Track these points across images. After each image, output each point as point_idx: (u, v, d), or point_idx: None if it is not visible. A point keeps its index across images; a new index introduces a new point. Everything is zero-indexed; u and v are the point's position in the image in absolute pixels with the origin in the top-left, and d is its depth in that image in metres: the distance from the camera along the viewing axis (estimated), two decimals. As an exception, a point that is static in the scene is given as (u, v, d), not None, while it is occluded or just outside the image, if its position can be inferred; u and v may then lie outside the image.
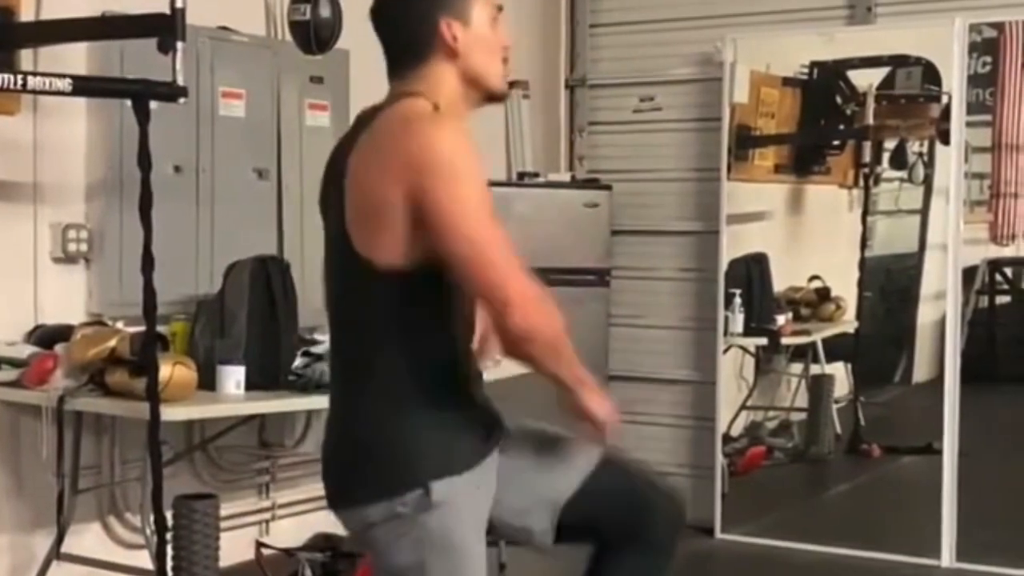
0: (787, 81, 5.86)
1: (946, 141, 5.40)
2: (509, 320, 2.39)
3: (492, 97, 2.65)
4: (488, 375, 4.65)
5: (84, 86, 3.98)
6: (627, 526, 2.68)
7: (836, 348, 5.91)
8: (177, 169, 4.68)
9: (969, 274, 5.54)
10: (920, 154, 5.69)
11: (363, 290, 2.50)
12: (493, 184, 5.63)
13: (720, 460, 5.80)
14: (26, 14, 4.25)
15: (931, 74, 5.52)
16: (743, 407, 5.96)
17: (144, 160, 3.80)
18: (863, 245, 5.80)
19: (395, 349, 2.49)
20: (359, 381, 2.54)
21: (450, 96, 2.56)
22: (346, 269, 2.52)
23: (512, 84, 6.24)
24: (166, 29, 3.77)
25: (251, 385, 4.23)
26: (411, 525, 2.46)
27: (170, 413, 3.93)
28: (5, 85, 3.64)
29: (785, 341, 5.93)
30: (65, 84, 3.74)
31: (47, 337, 4.28)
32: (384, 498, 2.47)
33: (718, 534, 5.77)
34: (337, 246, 2.52)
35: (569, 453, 2.72)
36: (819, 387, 5.94)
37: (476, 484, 2.53)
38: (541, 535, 2.65)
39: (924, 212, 5.74)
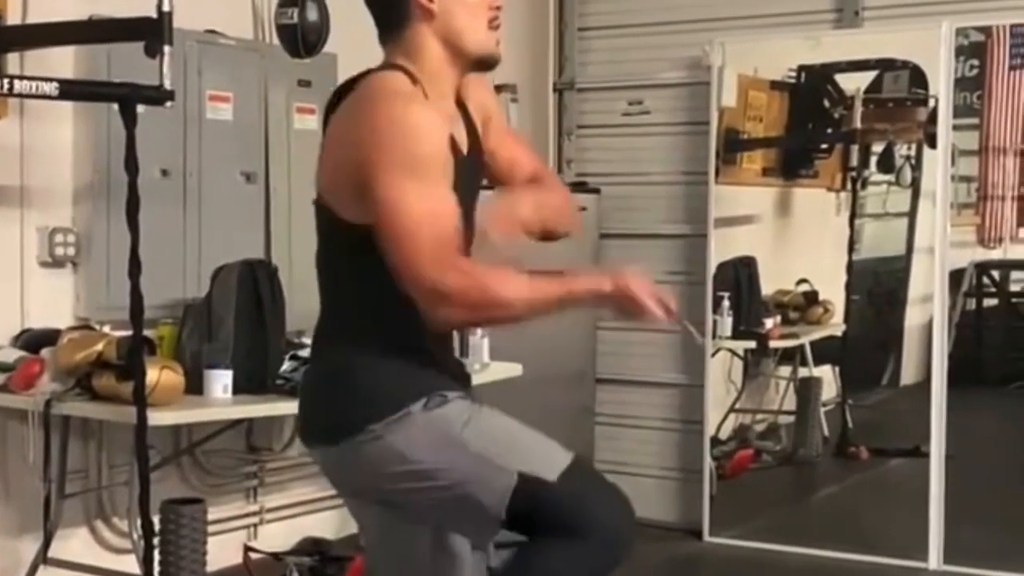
0: (775, 85, 5.87)
1: (933, 144, 5.41)
2: (428, 313, 2.41)
3: (480, 62, 2.61)
4: (476, 379, 4.65)
5: (71, 90, 3.97)
6: (574, 530, 2.57)
7: (824, 351, 5.92)
8: (164, 173, 4.68)
9: (956, 277, 5.55)
10: (907, 157, 5.70)
11: (334, 245, 2.57)
12: (482, 187, 5.67)
13: (708, 463, 5.80)
14: (12, 17, 4.25)
15: (918, 77, 5.53)
16: (731, 410, 5.97)
17: (131, 164, 3.80)
18: (851, 248, 5.81)
19: (372, 296, 2.52)
20: (340, 324, 2.59)
21: (433, 63, 2.55)
22: (321, 226, 2.58)
23: (500, 87, 6.27)
24: (153, 33, 3.77)
25: (238, 389, 4.23)
26: (422, 417, 2.49)
27: (157, 417, 3.93)
28: (-8, 89, 3.64)
29: (773, 344, 5.94)
30: (52, 88, 3.74)
31: (34, 341, 4.27)
32: (391, 412, 2.49)
33: (706, 537, 5.77)
34: (317, 206, 2.58)
35: (545, 445, 2.66)
36: (807, 390, 5.95)
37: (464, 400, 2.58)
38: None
39: (911, 215, 5.75)
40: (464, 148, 2.59)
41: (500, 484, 2.50)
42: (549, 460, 2.56)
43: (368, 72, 2.57)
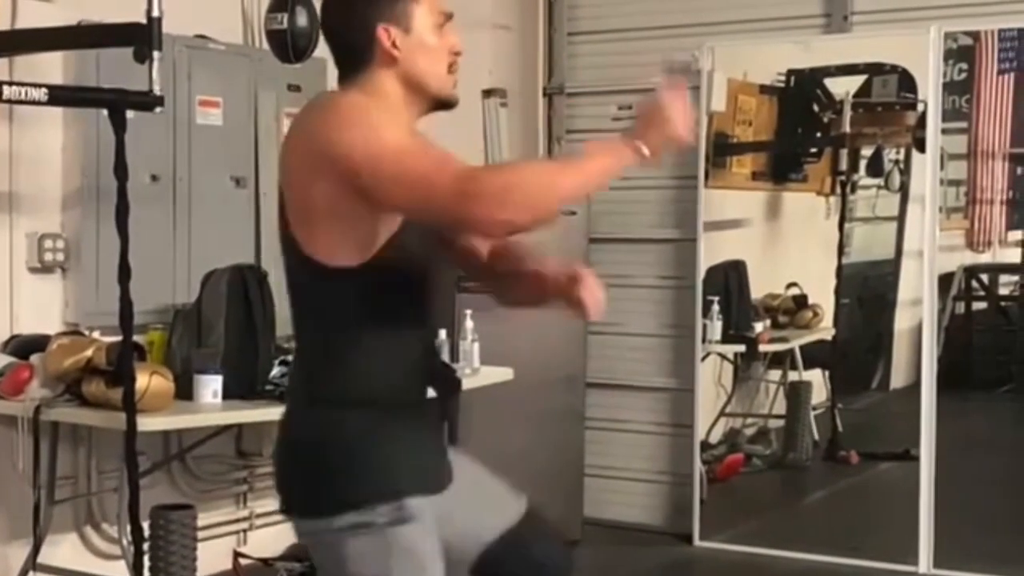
0: (764, 89, 5.88)
1: (922, 148, 5.43)
2: (482, 226, 2.36)
3: (439, 103, 2.60)
4: (467, 383, 4.66)
5: (60, 95, 3.97)
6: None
7: (814, 355, 5.93)
8: (154, 178, 4.67)
9: (946, 281, 5.56)
10: (896, 161, 5.71)
11: (319, 293, 2.49)
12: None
13: (698, 467, 5.80)
14: (1, 23, 4.24)
15: (907, 82, 5.55)
16: (721, 414, 5.97)
17: (120, 169, 3.80)
18: (840, 252, 5.82)
19: (358, 351, 2.47)
20: (327, 386, 2.50)
21: (391, 101, 2.53)
22: (300, 274, 2.50)
23: (489, 92, 6.28)
24: (142, 38, 3.77)
25: (228, 394, 4.22)
26: (380, 536, 2.44)
27: (147, 423, 3.93)
28: (-20, 94, 3.64)
29: (763, 348, 5.95)
30: (41, 94, 3.74)
31: (23, 347, 4.26)
32: (357, 508, 2.44)
33: (696, 541, 5.77)
34: (285, 250, 2.51)
35: (500, 494, 2.74)
36: (797, 394, 5.96)
37: (440, 506, 2.52)
38: (460, 568, 2.64)
39: (900, 219, 5.76)
40: None
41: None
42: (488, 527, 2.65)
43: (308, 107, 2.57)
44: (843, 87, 5.69)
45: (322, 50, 4.71)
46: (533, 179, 2.33)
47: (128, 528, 3.99)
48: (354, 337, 2.47)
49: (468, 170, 2.30)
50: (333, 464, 2.47)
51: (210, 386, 4.17)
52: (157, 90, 3.83)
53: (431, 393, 2.61)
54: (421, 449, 2.54)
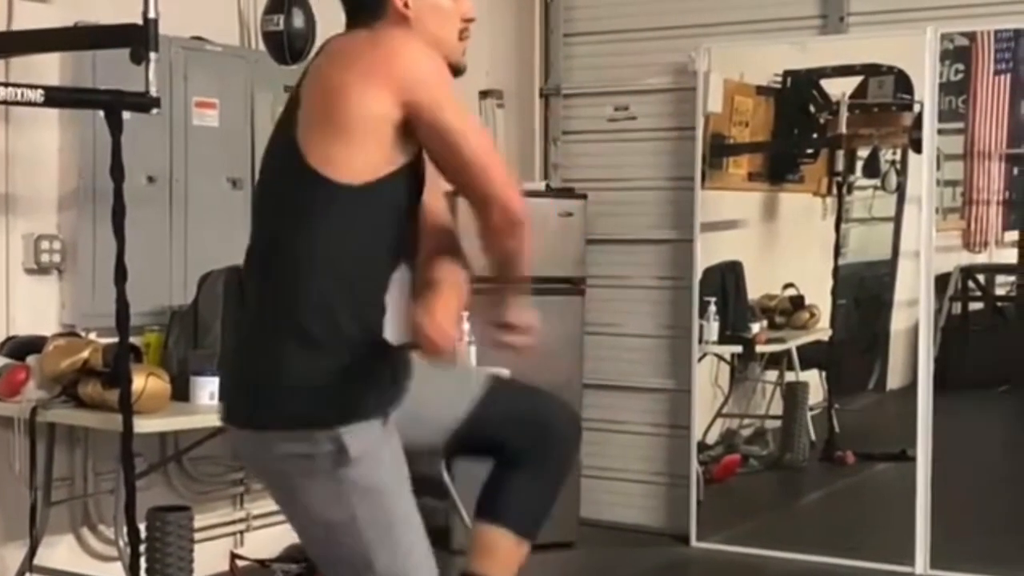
0: (761, 90, 5.88)
1: (918, 149, 5.43)
2: (508, 213, 2.50)
3: (450, 69, 2.61)
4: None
5: (56, 96, 3.97)
6: (526, 443, 2.74)
7: (810, 355, 5.93)
8: (150, 179, 4.67)
9: (942, 281, 5.56)
10: (893, 162, 5.71)
11: (307, 206, 2.47)
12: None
13: (695, 468, 5.80)
14: (-2, 24, 4.24)
15: (903, 82, 5.55)
16: (718, 415, 5.97)
17: (117, 170, 3.80)
18: (837, 253, 5.82)
19: (331, 273, 2.48)
20: (284, 296, 2.49)
21: None
22: (290, 183, 2.49)
23: (486, 93, 6.28)
24: (139, 39, 3.77)
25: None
26: (331, 478, 2.46)
27: (143, 425, 3.92)
28: (-24, 96, 3.64)
29: (760, 349, 5.95)
30: (37, 95, 3.74)
31: (19, 348, 4.26)
32: (294, 430, 2.46)
33: (693, 542, 5.78)
34: (282, 163, 2.51)
35: (460, 379, 2.78)
36: (794, 395, 5.95)
37: (389, 430, 2.54)
38: (430, 456, 2.79)
39: (897, 220, 5.76)
40: None
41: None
42: (463, 397, 2.73)
43: (335, 38, 2.60)
44: (839, 88, 5.69)
45: (318, 51, 4.76)
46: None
47: (124, 530, 3.99)
48: (329, 257, 2.47)
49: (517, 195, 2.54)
50: (282, 382, 2.48)
51: (207, 387, 4.16)
52: (153, 91, 3.84)
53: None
54: (371, 376, 2.52)
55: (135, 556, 3.98)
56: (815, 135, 5.94)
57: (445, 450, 2.79)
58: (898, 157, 5.69)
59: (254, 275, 2.59)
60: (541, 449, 2.76)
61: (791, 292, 5.89)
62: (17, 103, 3.76)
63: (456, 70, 2.63)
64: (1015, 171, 5.65)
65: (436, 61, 2.48)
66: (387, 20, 2.55)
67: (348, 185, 2.43)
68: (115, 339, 3.90)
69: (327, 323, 2.46)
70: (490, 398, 2.76)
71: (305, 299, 2.47)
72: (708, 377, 5.94)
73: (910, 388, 5.43)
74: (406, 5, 2.55)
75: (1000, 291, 5.98)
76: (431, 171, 2.61)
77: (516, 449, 2.73)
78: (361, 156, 2.43)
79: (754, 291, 5.92)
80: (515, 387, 2.90)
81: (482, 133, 2.57)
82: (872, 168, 5.76)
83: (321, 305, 2.47)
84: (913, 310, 5.45)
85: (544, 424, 2.79)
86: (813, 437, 5.91)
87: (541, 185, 6.13)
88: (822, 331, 5.88)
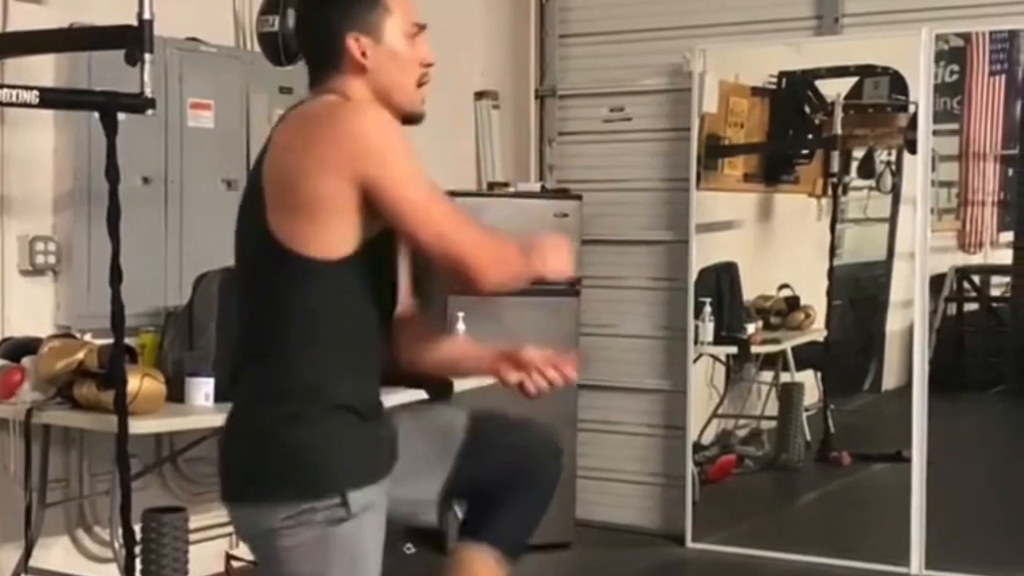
0: (756, 91, 5.88)
1: (913, 150, 5.43)
2: (481, 287, 2.46)
3: (406, 117, 2.61)
4: (459, 385, 4.67)
5: (51, 98, 3.97)
6: (509, 473, 2.77)
7: (806, 356, 5.93)
8: (146, 180, 4.67)
9: (937, 282, 5.57)
10: (888, 163, 5.72)
11: (288, 284, 2.47)
12: (464, 195, 5.67)
13: (691, 469, 5.81)
14: (-8, 26, 4.24)
15: (898, 83, 5.55)
16: (714, 416, 5.97)
17: (112, 172, 3.79)
18: (832, 254, 5.82)
19: (317, 342, 2.48)
20: (276, 375, 2.49)
21: None
22: (267, 265, 2.49)
23: (481, 94, 6.29)
24: (134, 40, 3.76)
25: (220, 397, 4.21)
26: (319, 532, 2.45)
27: (139, 426, 3.92)
28: (-29, 97, 3.63)
29: (755, 350, 5.95)
30: (32, 96, 3.73)
31: (14, 350, 4.25)
32: (297, 500, 2.45)
33: (689, 543, 5.78)
34: (256, 242, 2.50)
35: (442, 434, 2.77)
36: (789, 395, 5.96)
37: (384, 494, 2.55)
38: (427, 520, 2.73)
39: (892, 220, 5.76)
40: None
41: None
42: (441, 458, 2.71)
43: (291, 108, 2.59)
44: (834, 89, 5.69)
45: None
46: (514, 257, 2.55)
47: (120, 531, 3.98)
48: (317, 331, 2.48)
49: (481, 232, 2.49)
50: (280, 456, 2.48)
51: (202, 389, 4.16)
52: (148, 92, 3.83)
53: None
54: (364, 445, 2.54)
55: (130, 557, 3.98)
56: (810, 136, 5.95)
57: (439, 502, 2.76)
58: (893, 158, 5.69)
59: (242, 362, 2.62)
60: (523, 478, 2.79)
61: (786, 293, 5.90)
62: (12, 104, 3.76)
63: (414, 118, 2.62)
64: (1010, 172, 5.66)
65: (386, 133, 2.44)
66: (346, 71, 2.55)
67: (324, 260, 2.44)
68: (110, 340, 3.89)
69: (321, 398, 2.48)
70: (472, 441, 2.75)
71: (295, 379, 2.48)
72: (704, 378, 5.94)
73: (905, 389, 5.43)
74: (364, 55, 2.53)
75: (995, 292, 5.99)
76: None
77: (500, 480, 2.76)
78: (332, 233, 2.43)
79: (749, 292, 5.92)
80: (495, 421, 2.87)
81: (438, 200, 2.48)
82: (867, 169, 5.76)
83: (311, 382, 2.48)
84: (908, 311, 5.46)
85: (527, 455, 2.82)
86: (808, 438, 5.91)
87: (537, 186, 6.13)
88: (817, 332, 5.88)
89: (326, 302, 2.46)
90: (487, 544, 2.77)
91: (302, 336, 2.48)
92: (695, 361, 5.84)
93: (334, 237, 2.43)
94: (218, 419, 4.28)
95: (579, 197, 5.97)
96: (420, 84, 2.62)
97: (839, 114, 5.68)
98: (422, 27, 2.61)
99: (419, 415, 2.88)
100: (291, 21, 4.68)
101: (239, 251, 2.60)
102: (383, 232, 2.49)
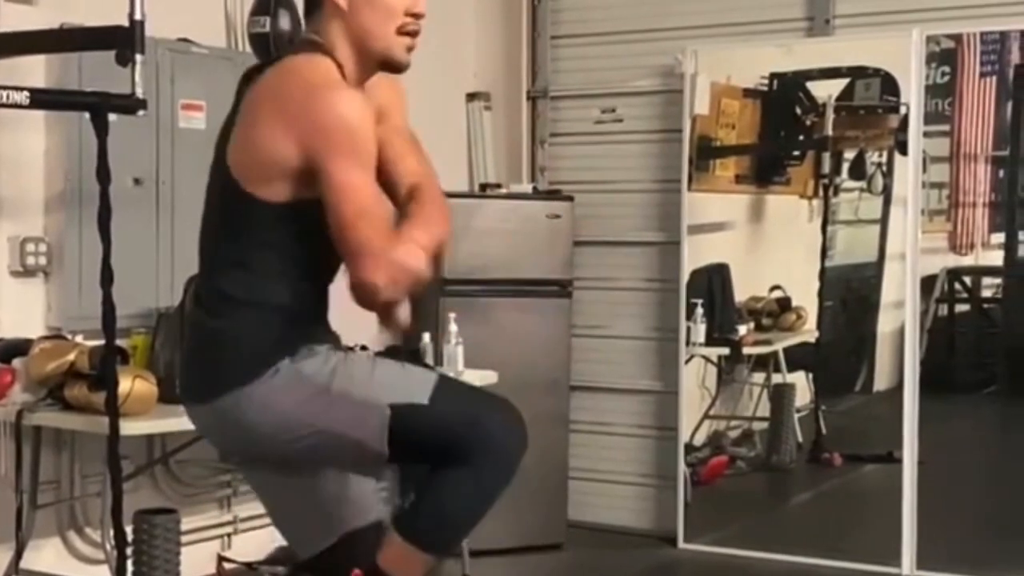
0: (747, 92, 5.88)
1: (904, 151, 5.44)
2: (361, 286, 2.49)
3: (385, 64, 2.64)
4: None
5: (42, 98, 3.96)
6: (463, 449, 2.65)
7: (797, 357, 5.94)
8: (137, 181, 4.66)
9: (928, 283, 5.57)
10: (879, 164, 5.72)
11: (240, 216, 2.63)
12: (456, 196, 5.66)
13: (683, 470, 5.81)
14: (-17, 26, 4.23)
15: (889, 85, 5.56)
16: (705, 416, 5.98)
17: (103, 173, 3.78)
18: (823, 255, 5.83)
19: (265, 269, 2.64)
20: (238, 293, 2.65)
21: (341, 53, 2.61)
22: (225, 195, 2.65)
23: (473, 95, 6.28)
24: (125, 41, 3.76)
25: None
26: (289, 374, 2.61)
27: (130, 427, 3.92)
28: (-38, 98, 3.62)
29: (747, 351, 5.95)
30: (23, 97, 3.72)
31: (5, 351, 4.24)
32: (264, 368, 2.61)
33: (681, 544, 5.78)
34: (216, 170, 2.68)
35: (410, 373, 2.80)
36: (781, 396, 5.96)
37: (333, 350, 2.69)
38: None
39: (883, 222, 5.77)
40: None
41: (374, 421, 2.61)
42: (415, 385, 2.68)
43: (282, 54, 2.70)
44: (826, 90, 5.70)
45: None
46: (416, 265, 2.53)
47: (111, 533, 3.98)
48: (266, 260, 2.63)
49: (384, 237, 2.49)
50: (235, 343, 2.64)
51: (193, 390, 4.15)
52: (140, 93, 3.83)
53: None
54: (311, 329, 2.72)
55: (122, 559, 3.97)
56: (801, 137, 5.95)
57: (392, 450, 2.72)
58: (884, 159, 5.70)
59: (202, 282, 2.82)
60: (479, 457, 2.65)
61: (778, 294, 5.90)
62: (3, 105, 3.74)
63: (392, 64, 2.65)
64: (1001, 173, 5.67)
65: (348, 110, 2.49)
66: (324, 11, 2.61)
67: (270, 201, 2.58)
68: (101, 341, 3.89)
69: (268, 303, 2.64)
70: (439, 394, 2.70)
71: (245, 291, 2.66)
72: (695, 379, 5.95)
73: (896, 390, 5.44)
74: None
75: (986, 293, 6.00)
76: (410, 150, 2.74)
77: (453, 453, 2.64)
78: (277, 183, 2.56)
79: (741, 293, 5.92)
80: (463, 389, 2.89)
81: (362, 193, 2.51)
82: (858, 170, 5.77)
83: (261, 293, 2.65)
84: (899, 312, 5.46)
85: (486, 432, 2.68)
86: (800, 439, 5.92)
87: (528, 187, 6.13)
88: (809, 333, 5.89)
89: (268, 238, 2.61)
90: (414, 540, 2.69)
91: (247, 262, 2.64)
92: (687, 362, 5.84)
93: (280, 187, 2.55)
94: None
95: (571, 198, 5.98)
96: (405, 33, 2.63)
97: (830, 115, 5.69)
98: None
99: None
100: (282, 22, 4.69)
101: (210, 177, 2.75)
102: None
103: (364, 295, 2.50)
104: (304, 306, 2.71)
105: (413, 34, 2.63)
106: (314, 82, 2.53)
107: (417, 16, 2.62)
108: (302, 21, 2.75)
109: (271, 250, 2.63)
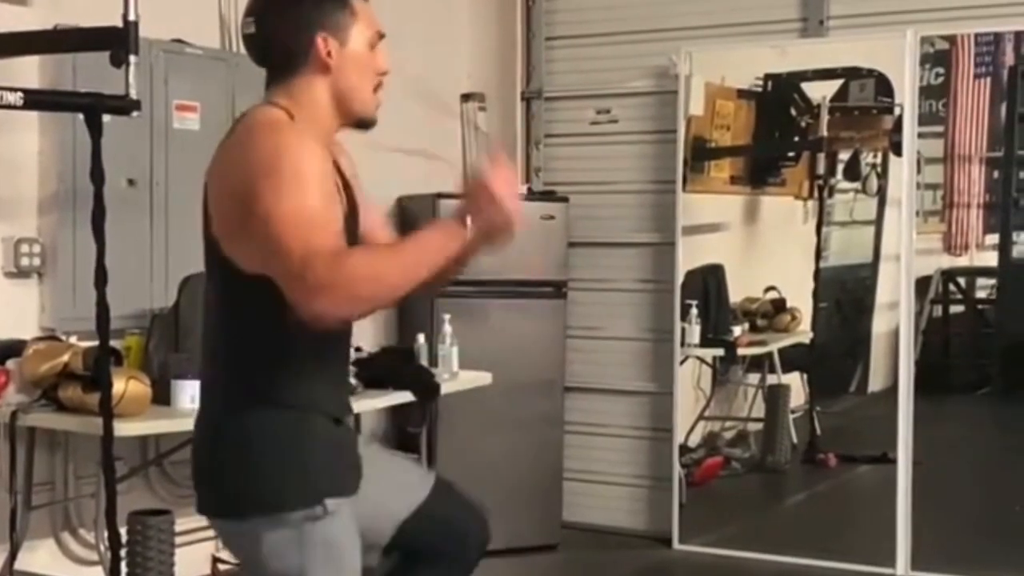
0: (742, 93, 5.89)
1: (899, 152, 5.45)
2: (308, 311, 2.31)
3: (360, 122, 2.64)
4: (445, 388, 4.66)
5: (36, 99, 3.96)
6: (443, 546, 2.81)
7: (792, 358, 5.94)
8: (131, 182, 4.66)
9: (923, 284, 5.58)
10: (874, 165, 5.73)
11: (239, 295, 2.51)
12: (450, 196, 5.67)
13: (677, 471, 5.81)
14: (-24, 27, 4.22)
15: (884, 86, 5.56)
16: (700, 417, 5.98)
17: (97, 174, 3.78)
18: (818, 256, 5.83)
19: (280, 356, 2.52)
20: (247, 387, 2.53)
21: (317, 111, 2.57)
22: (221, 274, 2.53)
23: (468, 96, 6.28)
24: (119, 42, 3.75)
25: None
26: (295, 531, 2.50)
27: (124, 428, 3.91)
28: (-45, 99, 3.62)
29: (741, 352, 5.96)
30: (16, 98, 3.72)
31: (-1, 352, 4.24)
32: (277, 511, 2.50)
33: (676, 545, 5.78)
34: (207, 249, 2.56)
35: (407, 475, 2.86)
36: (775, 397, 5.97)
37: (355, 504, 2.58)
38: (375, 551, 2.73)
39: (878, 223, 5.77)
40: (345, 197, 2.59)
41: None
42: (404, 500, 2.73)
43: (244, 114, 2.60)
44: (820, 91, 5.70)
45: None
46: (363, 277, 2.32)
47: (105, 534, 3.97)
48: (275, 341, 2.50)
49: (314, 261, 2.28)
50: (253, 466, 2.51)
51: (187, 391, 4.14)
52: (134, 94, 3.82)
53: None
54: (339, 452, 2.59)
55: (116, 560, 3.96)
56: (796, 138, 5.96)
57: (386, 544, 2.78)
58: (879, 160, 5.71)
59: (209, 371, 2.67)
60: (453, 558, 2.84)
61: (773, 295, 5.90)
62: (-4, 106, 3.74)
63: (367, 123, 2.65)
64: (995, 174, 5.68)
65: (285, 149, 2.39)
66: (308, 71, 2.57)
67: (261, 276, 2.40)
68: (95, 343, 3.88)
69: (286, 403, 2.51)
70: (435, 497, 2.80)
71: (260, 388, 2.52)
72: (690, 380, 5.95)
73: (891, 391, 5.44)
74: (329, 55, 2.56)
75: (981, 294, 6.00)
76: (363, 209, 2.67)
77: (432, 552, 2.81)
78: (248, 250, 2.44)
79: (736, 294, 5.93)
80: (452, 492, 2.90)
81: (295, 218, 2.33)
82: (853, 171, 5.77)
83: (275, 389, 2.51)
84: (894, 313, 5.47)
85: (464, 536, 2.85)
86: (795, 439, 5.92)
87: (523, 188, 6.13)
88: (803, 334, 5.89)
89: (272, 313, 2.42)
90: None
91: (256, 347, 2.53)
92: (681, 363, 5.85)
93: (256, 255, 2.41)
94: (204, 421, 4.31)
95: (565, 199, 5.98)
96: (376, 91, 2.65)
97: (825, 116, 5.69)
98: (382, 36, 2.65)
99: (391, 454, 2.92)
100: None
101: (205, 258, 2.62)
102: None
103: (312, 319, 2.34)
104: (328, 406, 2.60)
105: (380, 90, 2.66)
106: (256, 124, 2.50)
107: (384, 74, 2.66)
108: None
109: (280, 338, 2.48)
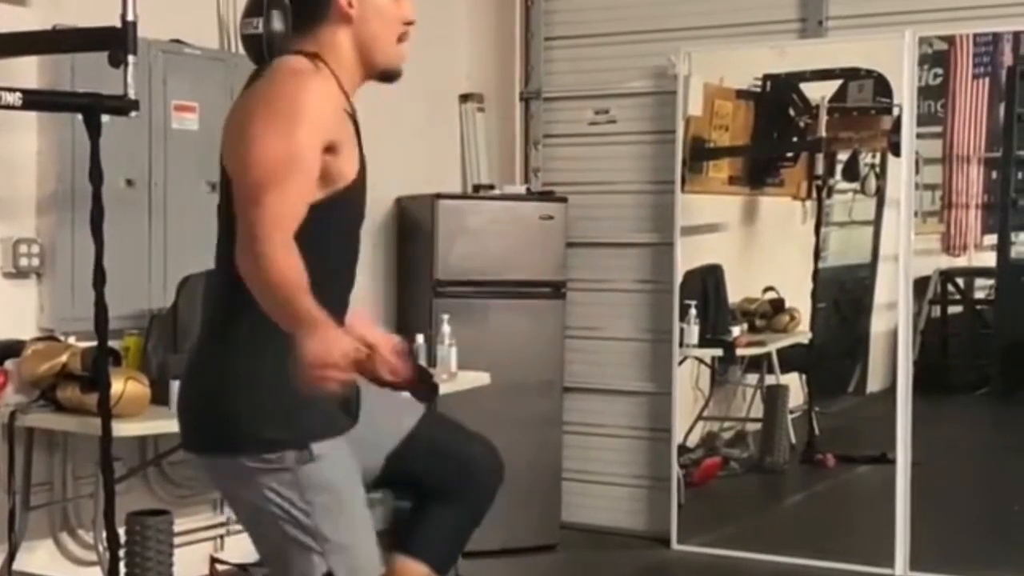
0: (741, 94, 5.89)
1: (898, 153, 5.44)
2: (239, 252, 2.39)
3: (384, 73, 2.66)
4: (444, 388, 4.65)
5: (34, 99, 3.96)
6: (447, 479, 2.83)
7: (791, 359, 5.94)
8: (130, 183, 4.66)
9: (921, 284, 5.59)
10: (872, 166, 5.73)
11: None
12: (449, 197, 5.68)
13: (676, 471, 5.81)
14: (-25, 27, 4.22)
15: (882, 86, 5.56)
16: (699, 418, 5.98)
17: (95, 174, 3.78)
18: (816, 256, 5.84)
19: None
20: (245, 325, 2.53)
21: (341, 60, 2.61)
22: (228, 215, 2.55)
23: (466, 97, 6.28)
24: (117, 42, 3.76)
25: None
26: (291, 475, 2.53)
27: (123, 429, 3.91)
28: (-46, 99, 3.62)
29: (740, 352, 5.96)
30: (15, 98, 3.72)
31: (-3, 352, 4.24)
32: (268, 450, 2.52)
33: (674, 545, 5.78)
34: (223, 183, 2.59)
35: (397, 407, 2.85)
36: (774, 398, 5.97)
37: (347, 442, 2.61)
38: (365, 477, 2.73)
39: (876, 223, 5.78)
40: (358, 151, 2.61)
41: (306, 567, 2.58)
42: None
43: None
44: (819, 92, 5.70)
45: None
46: (280, 265, 2.34)
47: (104, 534, 3.97)
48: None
49: (279, 236, 2.35)
50: (245, 405, 2.54)
51: (186, 391, 4.15)
52: (132, 94, 3.83)
53: None
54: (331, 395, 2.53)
55: (114, 561, 3.96)
56: (795, 139, 5.96)
57: (377, 477, 2.80)
58: (877, 161, 5.71)
59: (211, 315, 2.70)
60: (460, 488, 2.86)
61: (771, 295, 5.91)
62: (-5, 106, 3.74)
63: (391, 74, 2.68)
64: (993, 174, 5.68)
65: (286, 87, 2.47)
66: (330, 20, 2.61)
67: None
68: (94, 343, 3.88)
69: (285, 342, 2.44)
70: (424, 426, 2.84)
71: (259, 327, 2.47)
72: (689, 380, 5.95)
73: (890, 391, 5.44)
74: (350, 5, 2.59)
75: (979, 294, 6.01)
76: None
77: (436, 485, 2.83)
78: None
79: (734, 294, 5.93)
80: (446, 422, 2.96)
81: (276, 162, 2.41)
82: (852, 172, 5.78)
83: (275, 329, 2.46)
84: (892, 313, 5.47)
85: (467, 463, 2.87)
86: (793, 440, 5.93)
87: (522, 189, 6.13)
88: (802, 334, 5.90)
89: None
90: (423, 559, 2.84)
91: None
92: (680, 363, 5.85)
93: None
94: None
95: (564, 199, 5.98)
96: (400, 41, 2.67)
97: (823, 117, 5.69)
98: None
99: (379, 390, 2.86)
100: (275, 23, 4.68)
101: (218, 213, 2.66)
102: (331, 198, 2.51)
103: (249, 283, 2.39)
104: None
105: (405, 40, 2.69)
106: (281, 69, 2.55)
107: (410, 24, 2.68)
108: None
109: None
